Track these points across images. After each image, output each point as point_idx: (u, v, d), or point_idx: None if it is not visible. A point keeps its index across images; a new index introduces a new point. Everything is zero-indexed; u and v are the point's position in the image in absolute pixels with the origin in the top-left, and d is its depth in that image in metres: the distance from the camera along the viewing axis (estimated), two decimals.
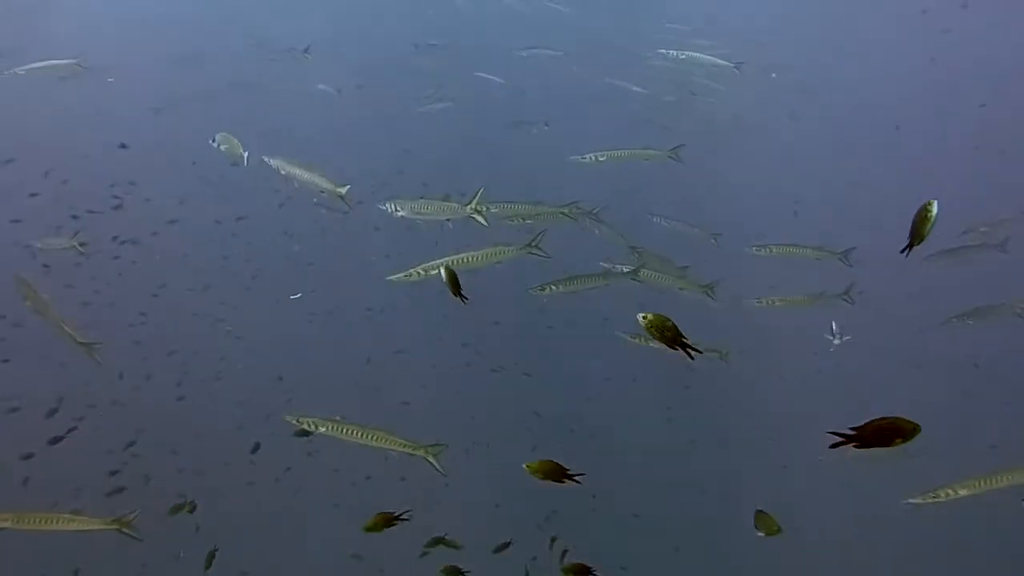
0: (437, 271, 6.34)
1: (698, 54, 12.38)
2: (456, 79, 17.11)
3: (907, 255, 4.86)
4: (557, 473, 5.64)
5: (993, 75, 19.80)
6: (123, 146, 13.29)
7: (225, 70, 16.85)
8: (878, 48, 21.87)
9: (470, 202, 7.16)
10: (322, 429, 6.41)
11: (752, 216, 15.62)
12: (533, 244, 7.03)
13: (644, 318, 4.74)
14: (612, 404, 14.62)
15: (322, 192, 7.92)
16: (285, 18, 19.56)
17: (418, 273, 6.52)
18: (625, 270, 8.51)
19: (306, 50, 15.18)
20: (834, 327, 9.22)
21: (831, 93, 20.45)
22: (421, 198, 7.19)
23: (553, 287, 8.16)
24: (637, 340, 8.28)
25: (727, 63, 12.30)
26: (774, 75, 18.29)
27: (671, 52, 12.09)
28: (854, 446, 4.09)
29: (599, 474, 6.91)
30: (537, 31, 19.05)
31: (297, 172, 7.83)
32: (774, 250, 9.27)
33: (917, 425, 4.01)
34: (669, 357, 4.92)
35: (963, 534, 11.46)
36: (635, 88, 17.20)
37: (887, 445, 4.09)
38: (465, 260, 6.62)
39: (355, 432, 6.39)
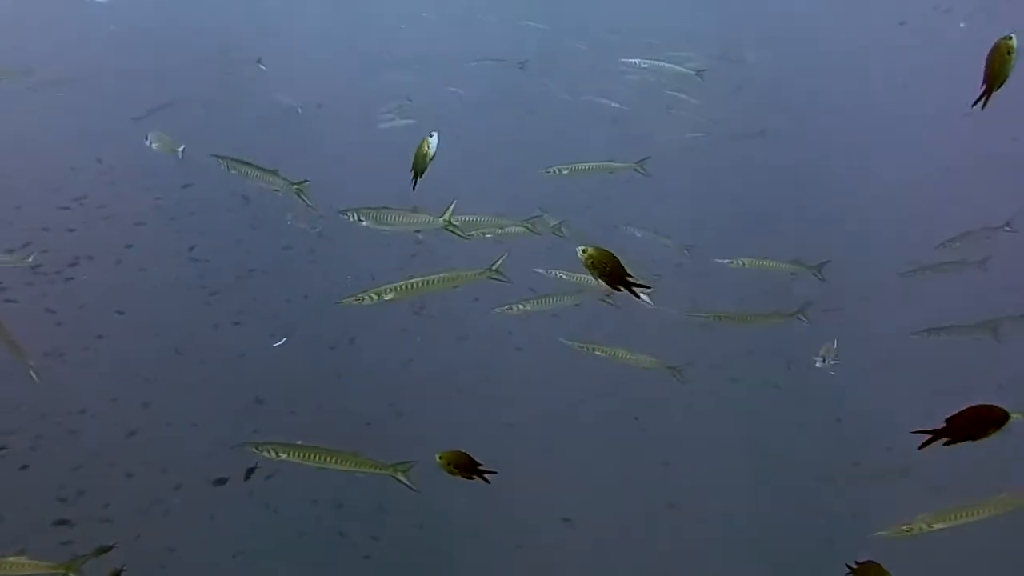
0: (391, 296, 6.02)
1: (661, 63, 12.31)
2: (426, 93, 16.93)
3: (984, 105, 4.03)
4: (468, 466, 5.08)
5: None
6: (99, 161, 13.34)
7: (187, 85, 16.47)
8: (854, 60, 22.04)
9: (443, 214, 6.75)
10: (283, 456, 6.04)
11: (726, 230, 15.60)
12: (493, 268, 6.65)
13: (584, 252, 4.32)
14: None
15: (276, 191, 7.61)
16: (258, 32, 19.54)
17: (370, 297, 6.16)
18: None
19: (259, 61, 14.87)
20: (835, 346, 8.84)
21: (803, 108, 20.45)
22: (385, 208, 6.76)
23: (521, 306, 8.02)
24: (584, 348, 8.22)
25: (689, 71, 12.20)
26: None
27: (634, 60, 12.00)
28: (944, 443, 3.69)
29: None
30: (509, 45, 18.96)
31: (249, 171, 7.51)
32: (746, 263, 9.01)
33: (1006, 411, 3.63)
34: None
35: None
36: (614, 104, 17.16)
37: (980, 437, 3.69)
38: (420, 285, 6.29)
39: (319, 456, 6.05)
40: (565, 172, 8.86)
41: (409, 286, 6.23)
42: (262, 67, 14.98)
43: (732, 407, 14.13)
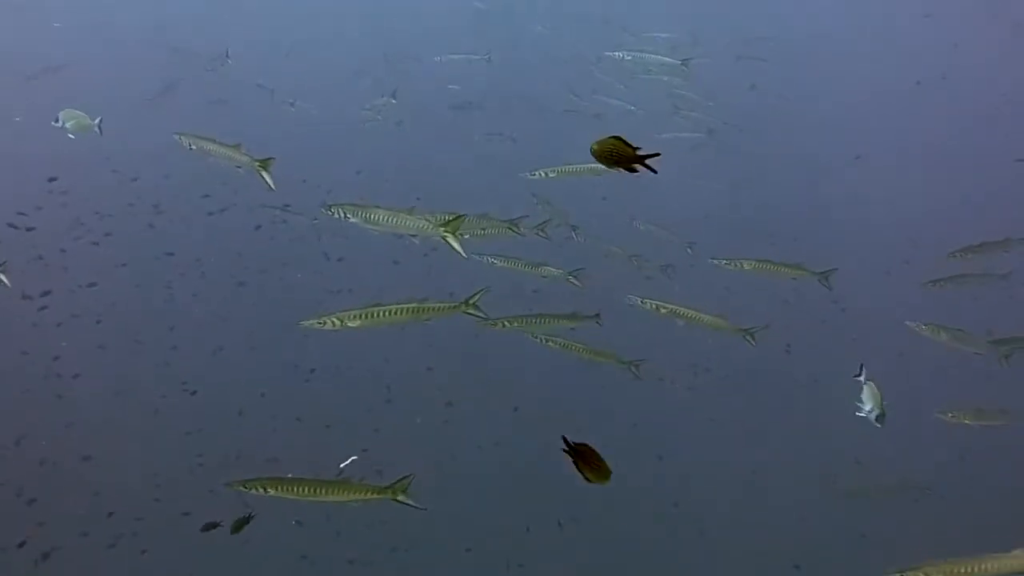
0: (356, 323, 5.67)
1: (644, 54, 11.92)
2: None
3: None
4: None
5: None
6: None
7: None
8: (858, 63, 21.93)
9: (445, 223, 6.16)
10: (272, 491, 5.72)
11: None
12: (471, 303, 6.22)
13: (591, 150, 4.17)
14: None
15: (239, 167, 7.18)
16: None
17: (333, 322, 5.76)
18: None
19: (226, 54, 14.94)
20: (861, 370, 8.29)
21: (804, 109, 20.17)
22: (376, 206, 6.25)
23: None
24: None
25: (674, 61, 11.81)
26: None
27: (618, 54, 11.65)
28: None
29: None
30: (506, 42, 18.76)
31: (210, 147, 7.10)
32: (746, 265, 8.44)
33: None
34: None
35: None
36: (630, 107, 16.88)
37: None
38: (388, 314, 5.85)
39: (308, 489, 5.71)
40: (552, 175, 8.44)
41: (375, 314, 5.82)
42: (228, 60, 14.96)
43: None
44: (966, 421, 8.71)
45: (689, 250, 13.72)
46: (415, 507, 5.65)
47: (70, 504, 10.40)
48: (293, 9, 22.17)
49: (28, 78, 14.91)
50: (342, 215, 6.18)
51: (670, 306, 7.94)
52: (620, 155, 4.19)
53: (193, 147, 7.12)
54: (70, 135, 7.90)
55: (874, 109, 21.29)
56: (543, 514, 11.84)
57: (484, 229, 7.93)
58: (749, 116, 18.11)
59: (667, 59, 11.90)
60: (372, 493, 5.72)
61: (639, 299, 7.93)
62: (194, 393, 11.95)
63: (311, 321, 5.83)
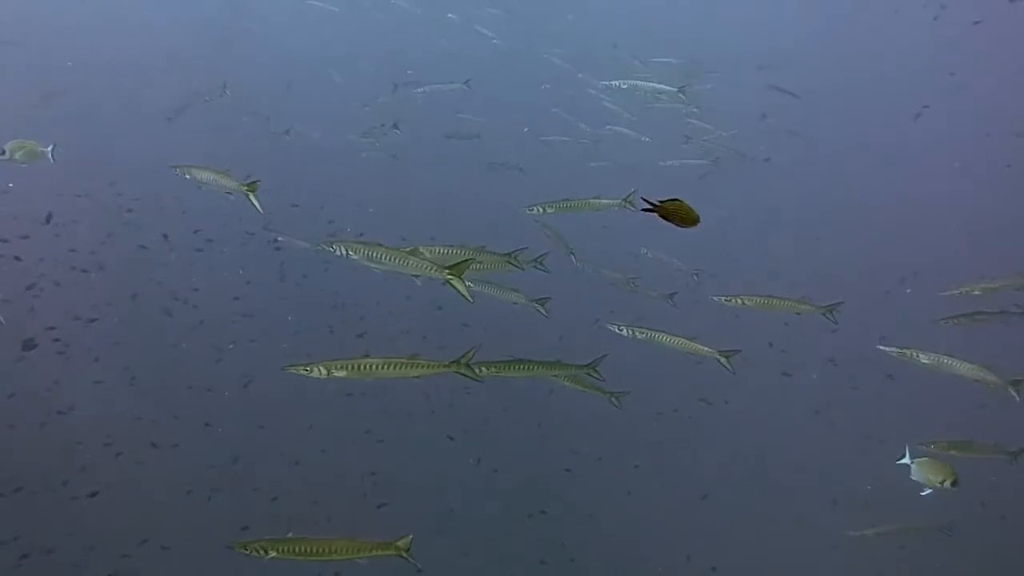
0: (343, 373, 5.57)
1: (640, 82, 11.91)
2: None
3: None
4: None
5: None
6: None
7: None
8: (867, 93, 21.88)
9: (451, 267, 6.09)
10: (273, 553, 5.66)
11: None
12: (463, 362, 5.98)
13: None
14: None
15: (229, 193, 7.56)
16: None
17: (319, 371, 5.63)
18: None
19: (224, 86, 15.18)
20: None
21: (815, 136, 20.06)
22: (378, 244, 6.18)
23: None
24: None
25: (671, 88, 11.78)
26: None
27: (614, 82, 11.62)
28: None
29: None
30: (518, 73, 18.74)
31: (202, 176, 7.51)
32: (747, 302, 8.27)
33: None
34: None
35: None
36: (643, 138, 16.81)
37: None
38: (375, 368, 5.69)
39: (314, 548, 5.66)
40: (550, 211, 8.44)
41: (363, 367, 5.67)
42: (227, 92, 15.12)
43: None
44: (952, 453, 8.30)
45: (695, 277, 13.62)
46: (417, 566, 5.67)
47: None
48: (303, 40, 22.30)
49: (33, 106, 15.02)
50: (343, 252, 6.10)
51: (646, 331, 7.90)
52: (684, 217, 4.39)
53: (188, 176, 7.53)
54: (22, 164, 7.94)
55: (882, 140, 21.11)
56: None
57: (481, 263, 7.81)
58: (758, 145, 18.01)
59: (663, 86, 11.86)
60: (377, 550, 5.69)
61: (617, 326, 7.90)
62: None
63: (298, 368, 5.68)
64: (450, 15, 22.09)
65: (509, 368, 6.83)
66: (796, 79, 18.62)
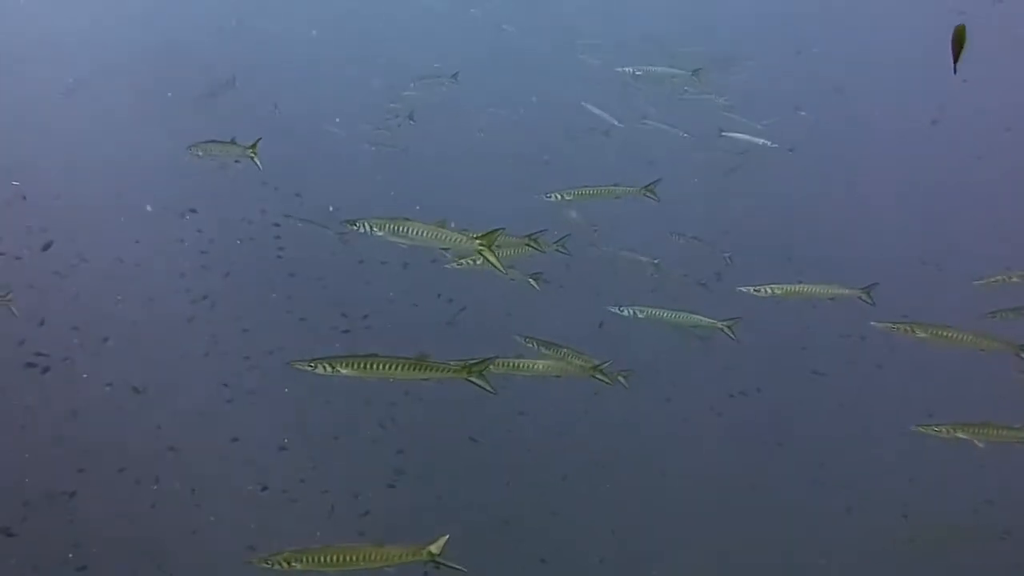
0: (347, 371, 5.36)
1: (653, 68, 11.67)
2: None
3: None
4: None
5: None
6: None
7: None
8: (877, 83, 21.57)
9: (481, 236, 5.95)
10: (297, 565, 5.39)
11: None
12: (475, 369, 5.64)
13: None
14: None
15: (237, 161, 8.38)
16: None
17: (324, 367, 5.40)
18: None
19: (234, 79, 15.62)
20: None
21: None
22: (406, 219, 6.05)
23: None
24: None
25: (684, 72, 11.58)
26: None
27: (627, 69, 11.49)
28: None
29: None
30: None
31: (213, 149, 8.42)
32: (776, 291, 7.94)
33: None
34: None
35: None
36: (684, 134, 16.50)
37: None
38: (382, 367, 5.44)
39: (341, 557, 5.36)
40: (568, 197, 8.36)
41: (368, 364, 5.44)
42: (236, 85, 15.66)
43: None
44: (959, 435, 7.51)
45: (728, 260, 13.31)
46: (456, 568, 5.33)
47: None
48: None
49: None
50: (368, 229, 5.98)
51: (647, 310, 7.89)
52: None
53: (201, 153, 8.48)
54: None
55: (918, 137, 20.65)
56: None
57: (502, 248, 7.60)
58: (790, 138, 17.66)
59: (676, 70, 11.68)
60: (408, 555, 5.38)
61: (618, 307, 7.88)
62: None
63: (301, 364, 5.47)
64: (472, 10, 21.90)
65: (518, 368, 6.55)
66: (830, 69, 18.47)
